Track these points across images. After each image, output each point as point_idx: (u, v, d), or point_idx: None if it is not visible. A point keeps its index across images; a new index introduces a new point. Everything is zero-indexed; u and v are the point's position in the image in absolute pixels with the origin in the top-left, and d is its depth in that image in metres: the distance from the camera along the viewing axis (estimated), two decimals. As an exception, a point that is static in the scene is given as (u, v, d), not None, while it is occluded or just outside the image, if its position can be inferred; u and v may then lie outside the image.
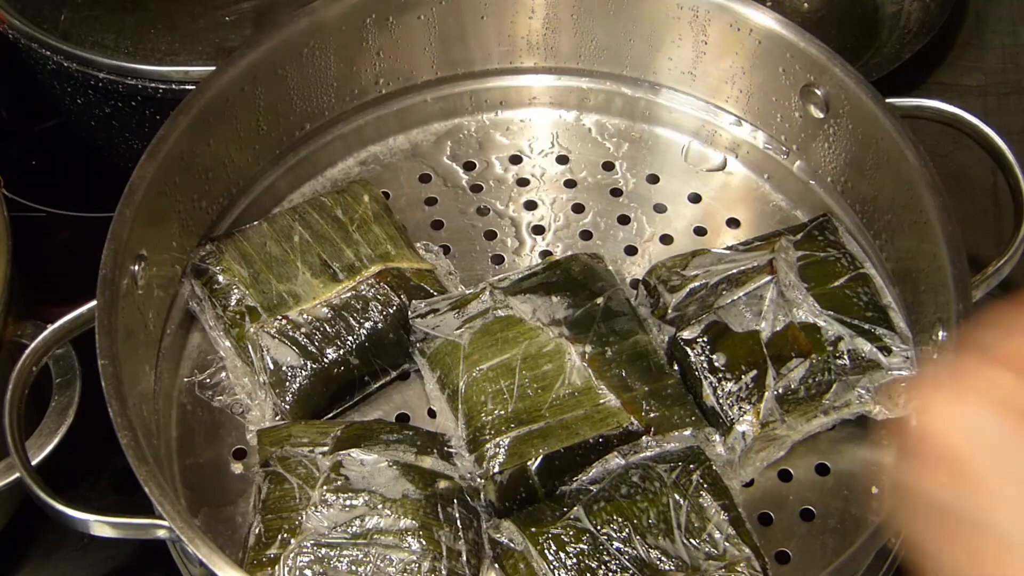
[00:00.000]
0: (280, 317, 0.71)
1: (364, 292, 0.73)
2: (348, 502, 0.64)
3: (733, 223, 0.82)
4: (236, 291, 0.72)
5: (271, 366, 0.70)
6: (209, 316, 0.73)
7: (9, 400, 0.64)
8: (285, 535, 0.63)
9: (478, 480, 0.66)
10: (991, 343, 0.49)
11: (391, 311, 0.73)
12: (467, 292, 0.74)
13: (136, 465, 0.59)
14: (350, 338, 0.71)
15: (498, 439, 0.67)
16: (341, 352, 0.71)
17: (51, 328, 0.67)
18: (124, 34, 0.86)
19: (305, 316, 0.72)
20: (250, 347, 0.71)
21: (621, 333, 0.72)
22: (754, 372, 0.69)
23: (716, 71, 0.83)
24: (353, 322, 0.72)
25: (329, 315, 0.72)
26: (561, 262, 0.75)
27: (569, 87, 0.88)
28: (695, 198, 0.84)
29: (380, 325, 0.72)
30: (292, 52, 0.78)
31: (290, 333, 0.71)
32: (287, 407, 0.70)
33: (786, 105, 0.81)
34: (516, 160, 0.86)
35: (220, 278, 0.73)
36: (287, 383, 0.70)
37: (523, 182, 0.84)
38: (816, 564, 0.67)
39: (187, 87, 0.78)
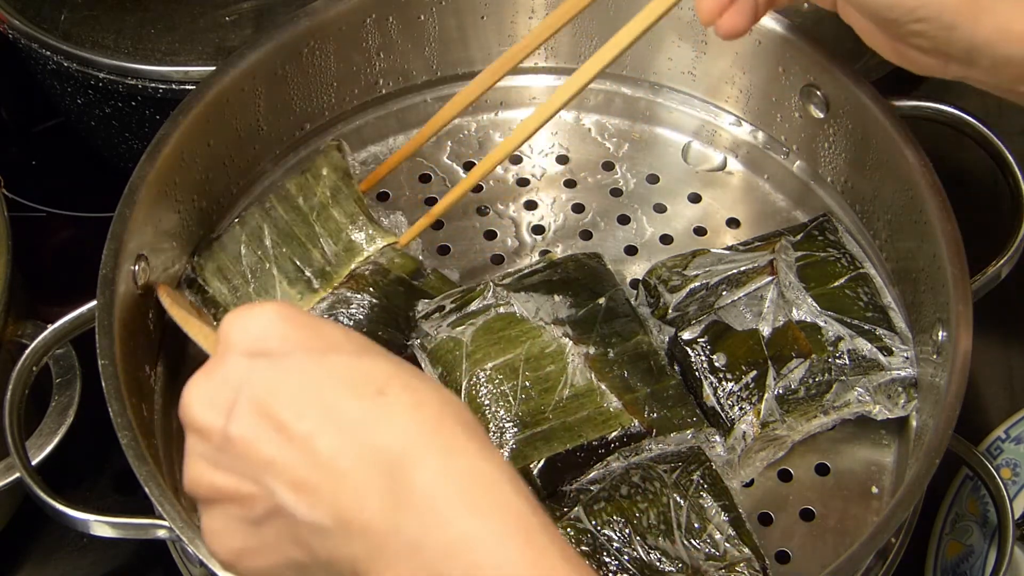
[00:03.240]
0: None
1: (344, 295, 0.73)
2: (348, 502, 0.64)
3: (733, 223, 0.82)
4: (220, 305, 0.72)
5: None
6: (205, 321, 0.73)
7: (9, 400, 0.64)
8: (285, 535, 0.63)
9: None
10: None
11: (375, 312, 0.72)
12: (468, 288, 0.73)
13: (136, 465, 0.59)
14: None
15: (501, 442, 0.67)
16: None
17: (51, 328, 0.67)
18: (124, 34, 0.85)
19: None
20: None
21: (623, 334, 0.72)
22: (754, 372, 0.69)
23: (716, 71, 0.83)
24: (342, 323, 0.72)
25: None
26: (561, 262, 0.75)
27: (569, 87, 0.88)
28: (695, 198, 0.84)
29: (367, 327, 0.72)
30: (292, 52, 0.78)
31: None
32: None
33: (786, 105, 0.81)
34: (516, 160, 0.86)
35: (208, 289, 0.73)
36: None
37: (523, 182, 0.84)
38: (816, 564, 0.67)
39: (187, 87, 0.78)
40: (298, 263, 0.74)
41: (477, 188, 0.84)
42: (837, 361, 0.69)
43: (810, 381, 0.69)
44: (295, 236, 0.74)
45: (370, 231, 0.74)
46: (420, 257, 0.75)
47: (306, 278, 0.73)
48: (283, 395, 0.45)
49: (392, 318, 0.72)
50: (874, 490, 0.70)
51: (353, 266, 0.73)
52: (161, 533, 0.60)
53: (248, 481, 0.45)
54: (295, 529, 0.44)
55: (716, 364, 0.69)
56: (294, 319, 0.47)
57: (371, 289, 0.73)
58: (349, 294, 0.73)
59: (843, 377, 0.69)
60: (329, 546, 0.44)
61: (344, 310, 0.72)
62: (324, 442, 0.44)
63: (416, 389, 0.45)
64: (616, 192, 0.84)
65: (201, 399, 0.47)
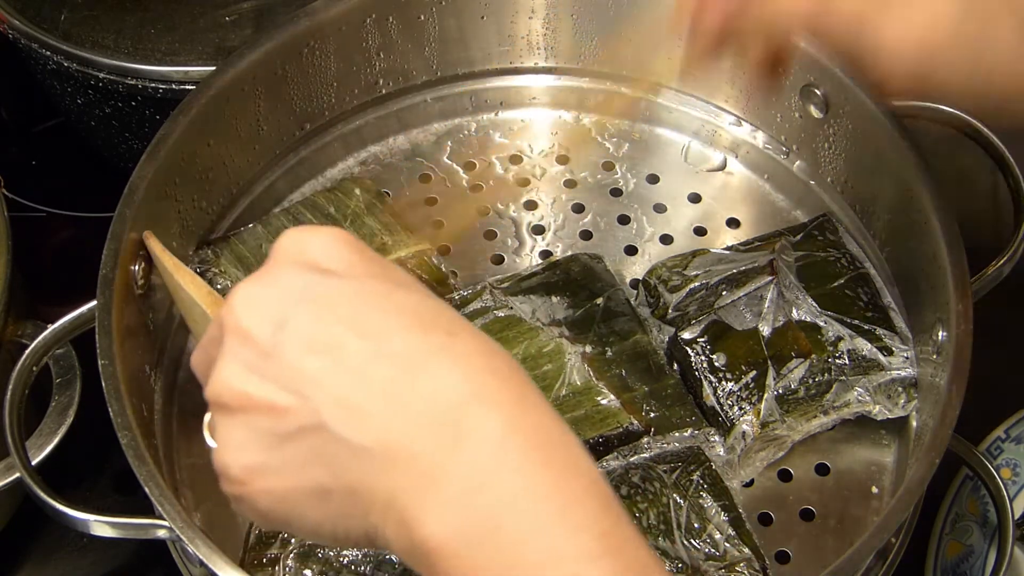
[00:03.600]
0: None
1: None
2: (348, 502, 0.64)
3: (733, 223, 0.82)
4: None
5: None
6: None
7: (9, 400, 0.64)
8: (285, 535, 0.63)
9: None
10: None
11: None
12: (466, 292, 0.74)
13: (136, 465, 0.59)
14: None
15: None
16: None
17: (51, 328, 0.67)
18: (124, 34, 0.85)
19: None
20: None
21: (621, 333, 0.72)
22: (754, 372, 0.69)
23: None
24: None
25: None
26: (561, 262, 0.75)
27: (569, 87, 0.88)
28: (695, 198, 0.84)
29: None
30: (292, 52, 0.78)
31: None
32: None
33: (786, 105, 0.81)
34: (516, 160, 0.86)
35: (218, 281, 0.73)
36: None
37: (523, 182, 0.84)
38: (816, 564, 0.67)
39: (187, 87, 0.78)
40: None
41: (477, 188, 0.84)
42: (837, 361, 0.69)
43: (810, 381, 0.69)
44: None
45: (405, 238, 0.75)
46: (442, 268, 0.76)
47: None
48: (346, 315, 0.43)
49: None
50: (874, 490, 0.70)
51: None
52: (161, 533, 0.60)
53: (287, 393, 0.42)
54: (328, 449, 0.42)
55: (716, 364, 0.69)
56: (361, 248, 0.46)
57: None
58: None
59: (843, 377, 0.69)
60: (364, 472, 0.42)
61: None
62: (384, 369, 0.42)
63: (484, 339, 0.44)
64: (616, 192, 0.84)
65: (251, 303, 0.44)
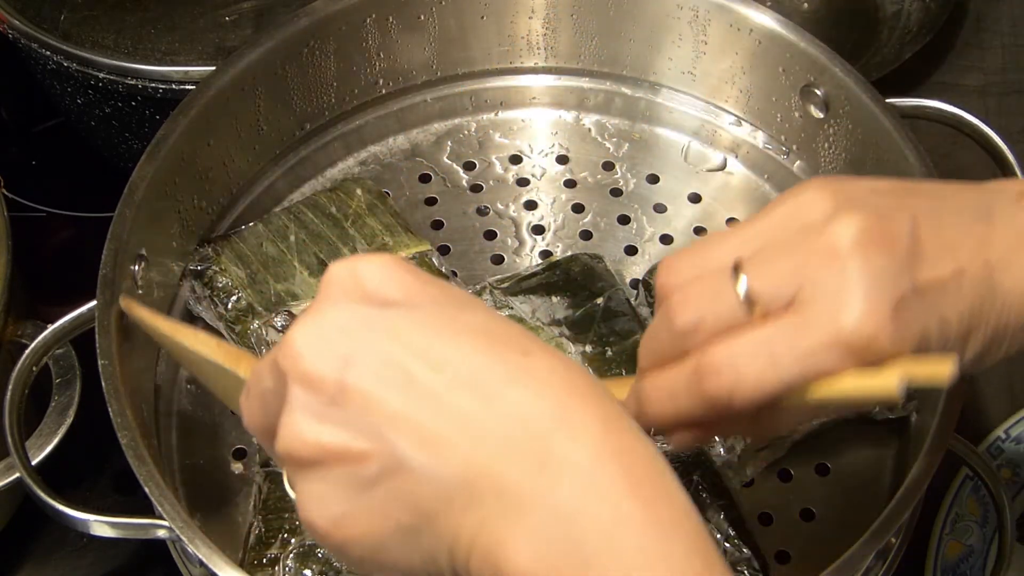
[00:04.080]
0: (284, 311, 0.71)
1: None
2: (348, 502, 0.64)
3: (733, 223, 0.82)
4: (235, 292, 0.72)
5: None
6: (210, 316, 0.73)
7: (9, 400, 0.64)
8: (285, 535, 0.63)
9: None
10: None
11: None
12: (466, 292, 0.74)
13: (136, 465, 0.59)
14: None
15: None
16: None
17: (51, 328, 0.67)
18: (124, 34, 0.86)
19: None
20: (254, 342, 0.71)
21: (621, 333, 0.72)
22: (754, 372, 0.69)
23: (716, 71, 0.83)
24: None
25: None
26: (561, 262, 0.75)
27: (569, 87, 0.88)
28: (695, 198, 0.84)
29: None
30: (292, 52, 0.78)
31: None
32: None
33: (786, 105, 0.81)
34: (516, 160, 0.86)
35: (219, 279, 0.73)
36: None
37: (523, 182, 0.84)
38: (816, 564, 0.67)
39: (187, 87, 0.78)
40: (323, 258, 0.74)
41: (477, 188, 0.84)
42: (837, 361, 0.69)
43: (810, 381, 0.69)
44: (325, 236, 0.75)
45: (406, 239, 0.76)
46: (443, 269, 0.76)
47: None
48: (415, 346, 0.41)
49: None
50: (874, 490, 0.70)
51: None
52: (161, 533, 0.60)
53: (363, 437, 0.40)
54: (411, 488, 0.40)
55: (716, 364, 0.69)
56: (416, 272, 0.44)
57: None
58: None
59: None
60: (450, 506, 0.40)
61: None
62: (462, 399, 0.40)
63: (559, 356, 0.42)
64: (616, 192, 0.84)
65: (312, 346, 0.41)
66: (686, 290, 0.48)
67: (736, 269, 0.47)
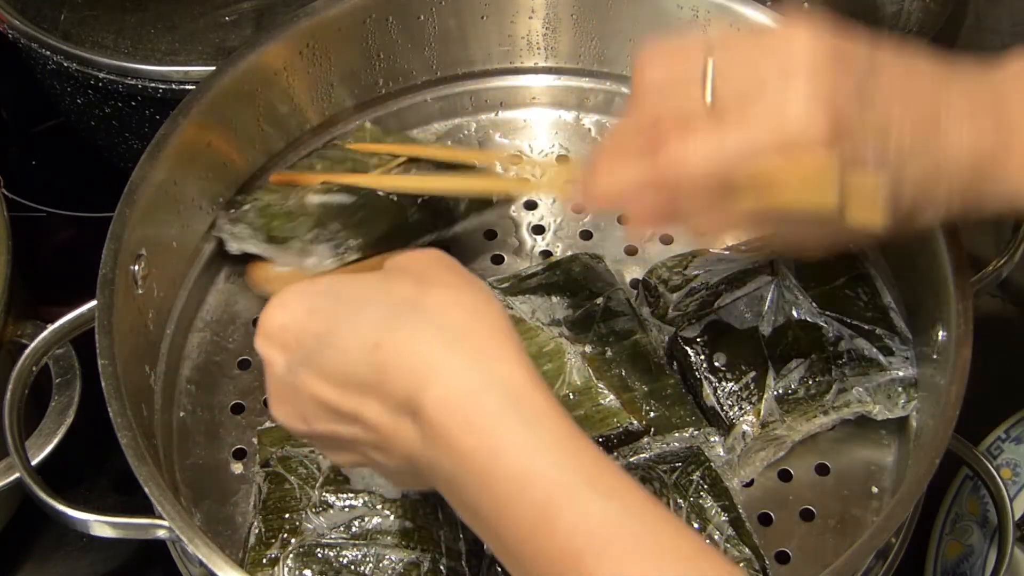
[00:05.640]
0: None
1: None
2: (348, 502, 0.64)
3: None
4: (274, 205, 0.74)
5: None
6: (245, 233, 0.74)
7: (9, 400, 0.64)
8: (285, 535, 0.63)
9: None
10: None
11: None
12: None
13: (136, 465, 0.59)
14: None
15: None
16: None
17: (51, 328, 0.67)
18: (124, 34, 0.86)
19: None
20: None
21: (621, 333, 0.72)
22: (754, 372, 0.69)
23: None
24: None
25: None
26: (561, 262, 0.75)
27: (569, 87, 0.88)
28: (695, 198, 0.83)
29: None
30: (292, 52, 0.78)
31: None
32: None
33: (786, 105, 0.81)
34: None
35: (246, 206, 0.74)
36: None
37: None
38: (816, 564, 0.67)
39: (187, 87, 0.78)
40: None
41: (477, 188, 0.84)
42: (837, 361, 0.69)
43: (810, 381, 0.69)
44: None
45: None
46: None
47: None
48: (325, 390, 0.49)
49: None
50: (874, 490, 0.70)
51: None
52: (161, 533, 0.60)
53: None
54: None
55: (716, 364, 0.69)
56: (304, 307, 0.51)
57: None
58: None
59: (843, 377, 0.69)
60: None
61: None
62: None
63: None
64: (616, 192, 0.84)
65: (283, 417, 0.52)
66: (657, 91, 0.55)
67: (704, 76, 0.53)
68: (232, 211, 0.75)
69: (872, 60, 0.53)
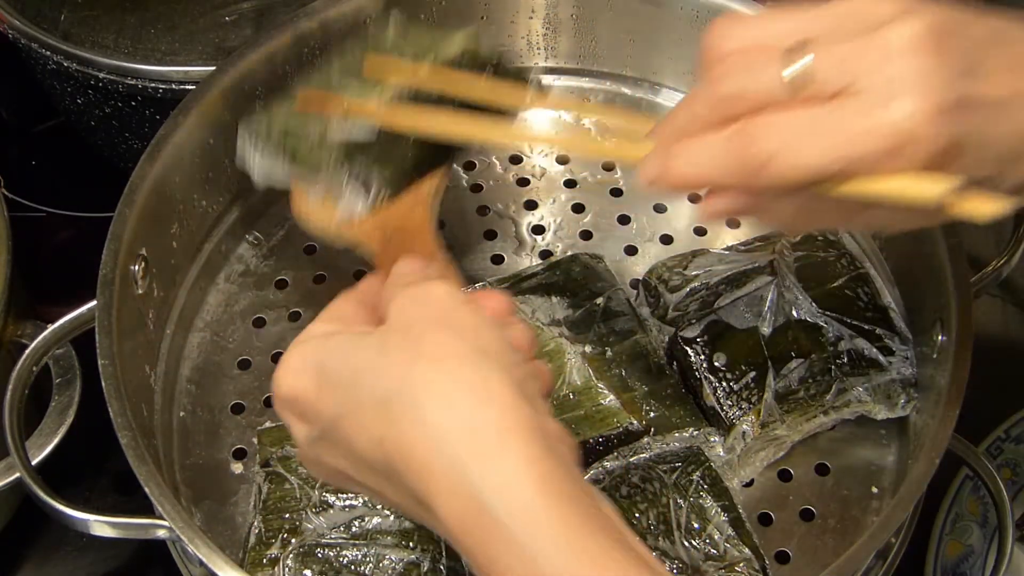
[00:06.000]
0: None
1: None
2: (348, 502, 0.64)
3: (733, 223, 0.82)
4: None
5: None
6: (261, 151, 0.68)
7: (9, 400, 0.64)
8: (285, 535, 0.63)
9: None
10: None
11: None
12: (466, 292, 0.73)
13: (136, 465, 0.59)
14: None
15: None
16: None
17: (51, 328, 0.67)
18: (124, 34, 0.86)
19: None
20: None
21: (621, 333, 0.72)
22: (754, 372, 0.69)
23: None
24: None
25: None
26: (561, 262, 0.75)
27: (569, 87, 0.88)
28: (695, 198, 0.84)
29: None
30: (292, 52, 0.78)
31: None
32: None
33: (786, 105, 0.81)
34: (516, 160, 0.86)
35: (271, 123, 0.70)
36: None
37: (523, 182, 0.84)
38: (816, 564, 0.67)
39: (187, 87, 0.78)
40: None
41: (477, 188, 0.84)
42: (837, 361, 0.69)
43: (810, 381, 0.69)
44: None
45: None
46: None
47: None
48: (346, 466, 0.50)
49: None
50: (874, 490, 0.70)
51: None
52: (161, 533, 0.60)
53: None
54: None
55: (716, 364, 0.69)
56: (310, 383, 0.50)
57: None
58: None
59: (843, 377, 0.69)
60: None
61: None
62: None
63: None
64: (616, 192, 0.84)
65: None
66: (734, 59, 0.49)
67: (791, 50, 0.47)
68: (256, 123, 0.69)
69: (975, 40, 0.48)
